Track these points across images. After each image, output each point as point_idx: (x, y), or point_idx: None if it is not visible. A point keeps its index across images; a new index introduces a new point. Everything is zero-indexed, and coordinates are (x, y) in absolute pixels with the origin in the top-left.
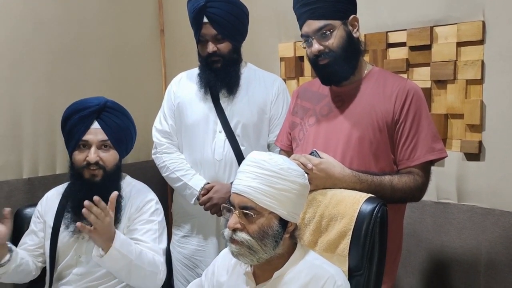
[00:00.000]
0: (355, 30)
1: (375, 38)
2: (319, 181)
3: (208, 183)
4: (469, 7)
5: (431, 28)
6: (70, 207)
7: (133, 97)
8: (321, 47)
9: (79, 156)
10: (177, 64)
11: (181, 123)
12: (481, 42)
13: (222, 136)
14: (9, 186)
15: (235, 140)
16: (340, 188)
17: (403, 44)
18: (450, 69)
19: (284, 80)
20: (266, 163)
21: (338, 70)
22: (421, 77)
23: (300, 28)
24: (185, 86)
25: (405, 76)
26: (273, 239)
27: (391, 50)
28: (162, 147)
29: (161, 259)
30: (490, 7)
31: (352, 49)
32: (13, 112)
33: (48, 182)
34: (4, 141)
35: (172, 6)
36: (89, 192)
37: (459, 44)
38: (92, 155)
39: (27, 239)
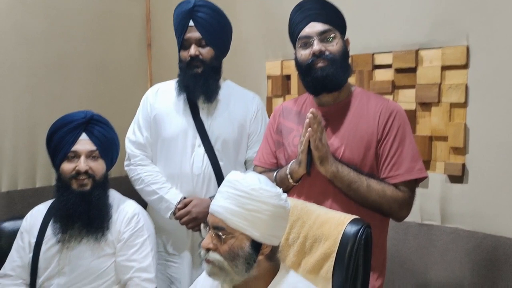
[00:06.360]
0: (348, 47)
1: (362, 59)
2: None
3: (185, 197)
4: (454, 32)
5: (416, 51)
6: (58, 218)
7: (118, 112)
8: (323, 48)
9: (68, 166)
10: (163, 79)
11: (158, 136)
12: (465, 66)
13: (201, 150)
14: None
15: (214, 155)
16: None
17: (389, 66)
18: (435, 92)
19: (271, 98)
20: (238, 183)
21: (335, 75)
22: (406, 99)
23: (299, 33)
24: (163, 98)
25: (390, 97)
26: (244, 261)
27: (377, 71)
28: (136, 158)
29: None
30: (473, 32)
31: (347, 63)
32: None
33: (27, 196)
34: None
35: (159, 20)
36: (78, 202)
37: (444, 68)
38: (82, 164)
39: (15, 256)
